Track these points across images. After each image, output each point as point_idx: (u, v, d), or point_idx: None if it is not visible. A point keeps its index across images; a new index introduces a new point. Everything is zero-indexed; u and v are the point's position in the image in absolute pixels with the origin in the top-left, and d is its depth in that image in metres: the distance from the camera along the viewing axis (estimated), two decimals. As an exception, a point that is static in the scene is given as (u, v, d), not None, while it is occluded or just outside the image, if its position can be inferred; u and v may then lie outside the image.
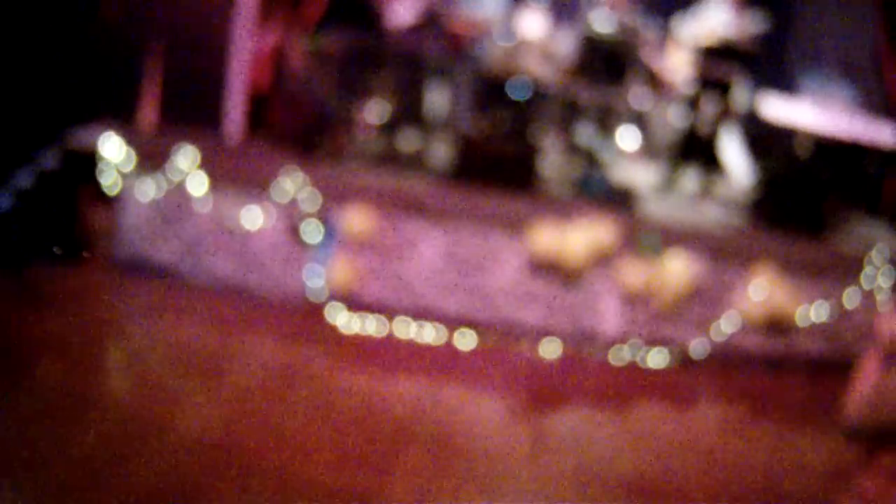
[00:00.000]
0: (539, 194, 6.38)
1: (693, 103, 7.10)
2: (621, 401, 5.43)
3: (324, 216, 5.83)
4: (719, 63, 6.97)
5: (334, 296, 5.79)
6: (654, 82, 7.41)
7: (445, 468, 4.32)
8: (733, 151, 7.57)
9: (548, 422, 5.09)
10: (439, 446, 4.50)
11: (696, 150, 7.15)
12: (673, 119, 7.56)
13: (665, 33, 7.60)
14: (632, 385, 5.57)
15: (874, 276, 5.92)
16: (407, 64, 7.06)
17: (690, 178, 7.22)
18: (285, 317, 5.75)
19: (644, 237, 5.88)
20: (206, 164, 5.91)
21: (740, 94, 7.29)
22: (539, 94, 7.27)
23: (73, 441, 4.04)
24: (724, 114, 7.14)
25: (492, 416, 5.03)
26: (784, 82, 7.81)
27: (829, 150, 6.92)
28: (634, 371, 5.74)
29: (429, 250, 5.90)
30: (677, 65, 7.37)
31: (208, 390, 4.73)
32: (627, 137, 7.40)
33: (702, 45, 7.03)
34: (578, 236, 5.77)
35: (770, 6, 7.54)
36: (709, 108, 7.06)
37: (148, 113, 6.38)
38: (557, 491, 4.35)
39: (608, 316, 5.87)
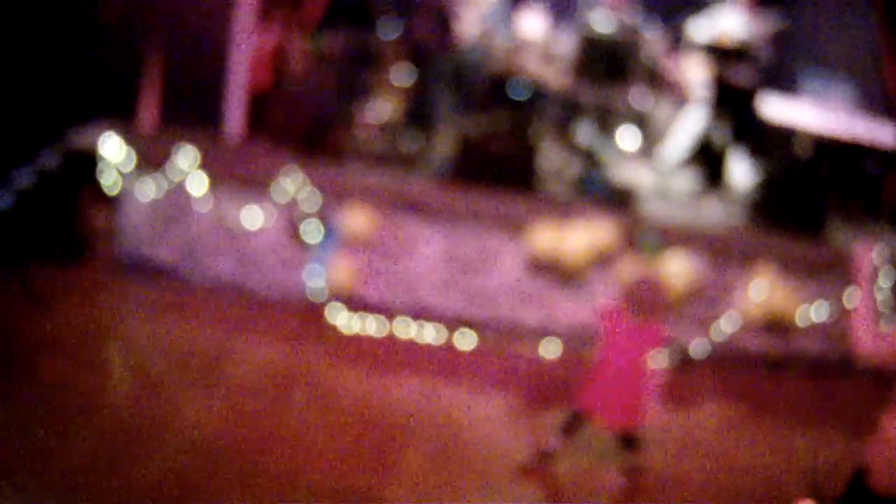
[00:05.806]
0: (539, 194, 6.38)
1: (710, 107, 7.05)
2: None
3: (324, 216, 5.83)
4: (734, 66, 6.93)
5: (334, 296, 5.78)
6: (661, 83, 7.38)
7: (445, 468, 4.32)
8: (736, 154, 7.55)
9: (548, 422, 5.10)
10: (439, 446, 4.50)
11: (705, 154, 7.11)
12: (685, 122, 7.46)
13: (677, 36, 7.53)
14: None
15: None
16: (408, 64, 7.06)
17: (690, 179, 7.21)
18: (285, 317, 5.75)
19: (644, 237, 5.88)
20: (206, 164, 5.90)
21: (758, 101, 7.19)
22: (539, 94, 7.25)
23: (73, 440, 4.04)
24: (742, 121, 7.06)
25: (492, 416, 5.03)
26: (784, 82, 7.79)
27: (829, 150, 6.91)
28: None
29: (429, 250, 5.90)
30: (691, 67, 7.33)
31: (208, 390, 4.73)
32: (627, 137, 7.38)
33: (716, 47, 6.99)
34: (578, 236, 5.77)
35: (775, 5, 7.50)
36: (725, 113, 7.02)
37: (148, 113, 6.38)
38: (557, 491, 4.36)
39: (608, 316, 5.86)
